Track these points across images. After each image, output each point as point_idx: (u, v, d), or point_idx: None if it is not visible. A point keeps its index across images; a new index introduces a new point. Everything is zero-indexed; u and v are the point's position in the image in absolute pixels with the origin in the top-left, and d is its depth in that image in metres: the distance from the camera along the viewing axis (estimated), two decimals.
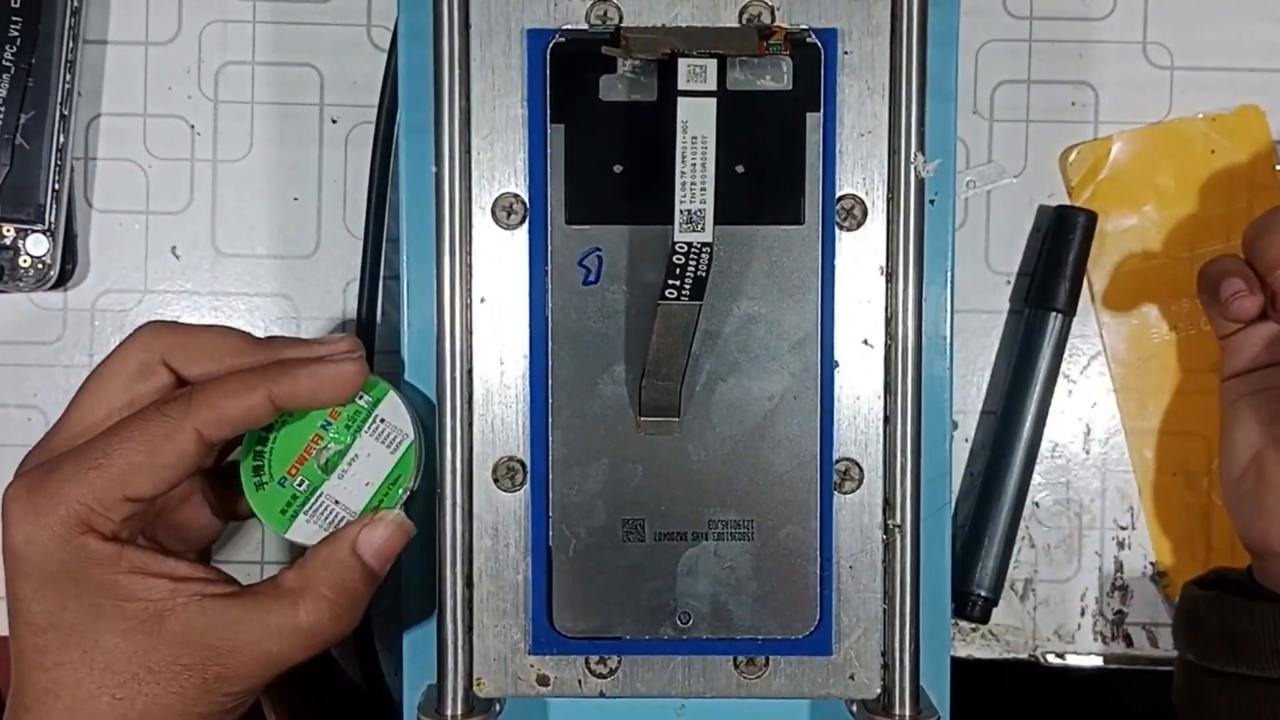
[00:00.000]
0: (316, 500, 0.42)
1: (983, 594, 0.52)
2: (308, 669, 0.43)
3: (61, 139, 0.51)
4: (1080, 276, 0.52)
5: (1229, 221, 0.53)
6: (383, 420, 0.43)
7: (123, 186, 0.54)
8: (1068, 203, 0.53)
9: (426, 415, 0.44)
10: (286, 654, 0.41)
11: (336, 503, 0.43)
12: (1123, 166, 0.53)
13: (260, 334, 0.52)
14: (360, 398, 0.43)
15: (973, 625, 0.53)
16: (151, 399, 0.41)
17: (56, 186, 0.51)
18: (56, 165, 0.51)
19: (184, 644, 0.40)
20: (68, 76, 0.51)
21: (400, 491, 0.43)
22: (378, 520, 0.42)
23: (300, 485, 0.42)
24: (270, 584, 0.41)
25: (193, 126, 0.53)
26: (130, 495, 0.40)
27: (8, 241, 0.51)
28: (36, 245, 0.51)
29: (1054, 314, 0.52)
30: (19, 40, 0.50)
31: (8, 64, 0.50)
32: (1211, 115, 0.53)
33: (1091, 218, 0.52)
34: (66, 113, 0.51)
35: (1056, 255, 0.52)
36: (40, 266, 0.51)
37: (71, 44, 0.51)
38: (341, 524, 0.42)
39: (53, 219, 0.51)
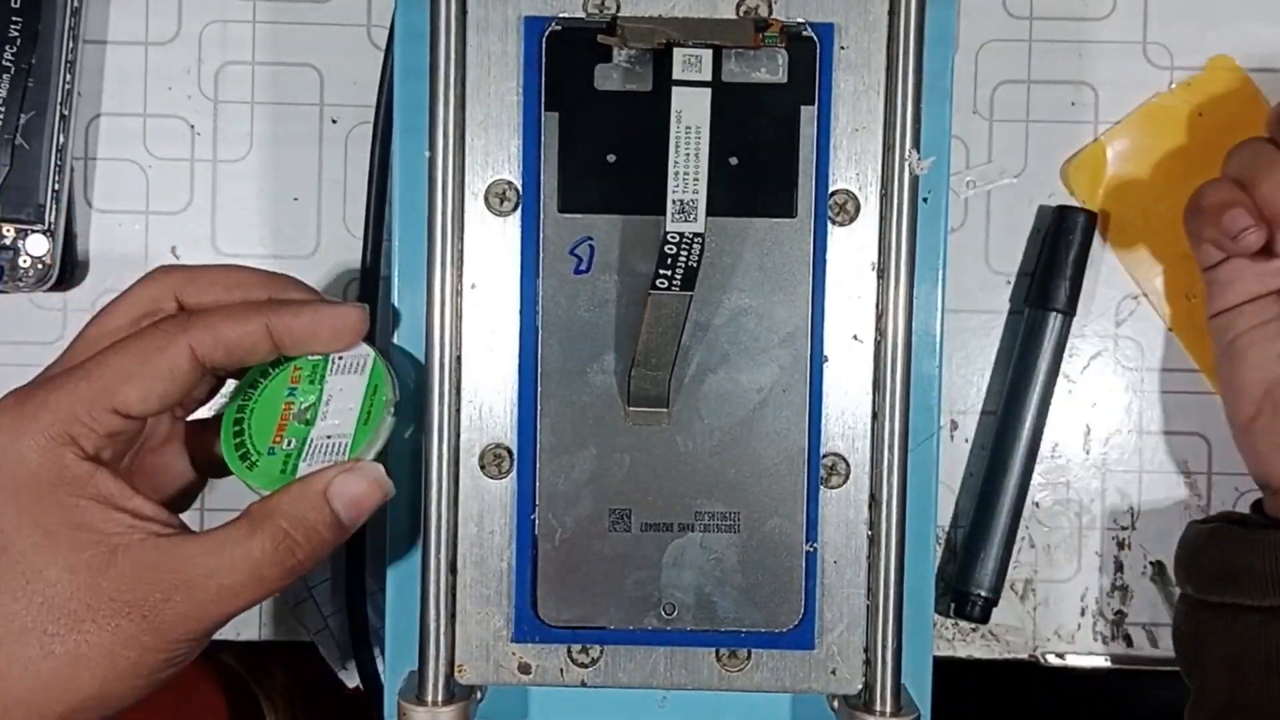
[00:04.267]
0: (309, 448, 0.42)
1: (983, 594, 0.52)
2: (307, 671, 0.42)
3: (61, 139, 0.51)
4: (1080, 276, 0.52)
5: None
6: (340, 358, 0.43)
7: (123, 186, 0.54)
8: (1068, 203, 0.53)
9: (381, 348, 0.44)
10: (235, 589, 0.39)
11: (329, 438, 0.42)
12: (1123, 162, 0.53)
13: None
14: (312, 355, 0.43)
15: (973, 625, 0.53)
16: None
17: (56, 186, 0.51)
18: (56, 165, 0.51)
19: (132, 579, 0.38)
20: (68, 76, 0.51)
21: (383, 399, 0.42)
22: (357, 469, 0.41)
23: (289, 445, 0.42)
24: (233, 519, 0.40)
25: (193, 126, 0.53)
26: (118, 407, 0.39)
27: (8, 241, 0.51)
28: (36, 245, 0.51)
29: (1054, 314, 0.52)
30: (19, 40, 0.51)
31: (8, 64, 0.50)
32: (1185, 81, 0.53)
33: (1091, 218, 0.52)
34: (66, 113, 0.51)
35: (1056, 255, 0.52)
36: (40, 266, 0.51)
37: (71, 44, 0.51)
38: (344, 450, 0.42)
39: (53, 219, 0.51)
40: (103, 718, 0.40)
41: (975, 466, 0.54)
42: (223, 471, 0.44)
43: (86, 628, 0.38)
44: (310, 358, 0.43)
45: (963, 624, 0.53)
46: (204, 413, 0.46)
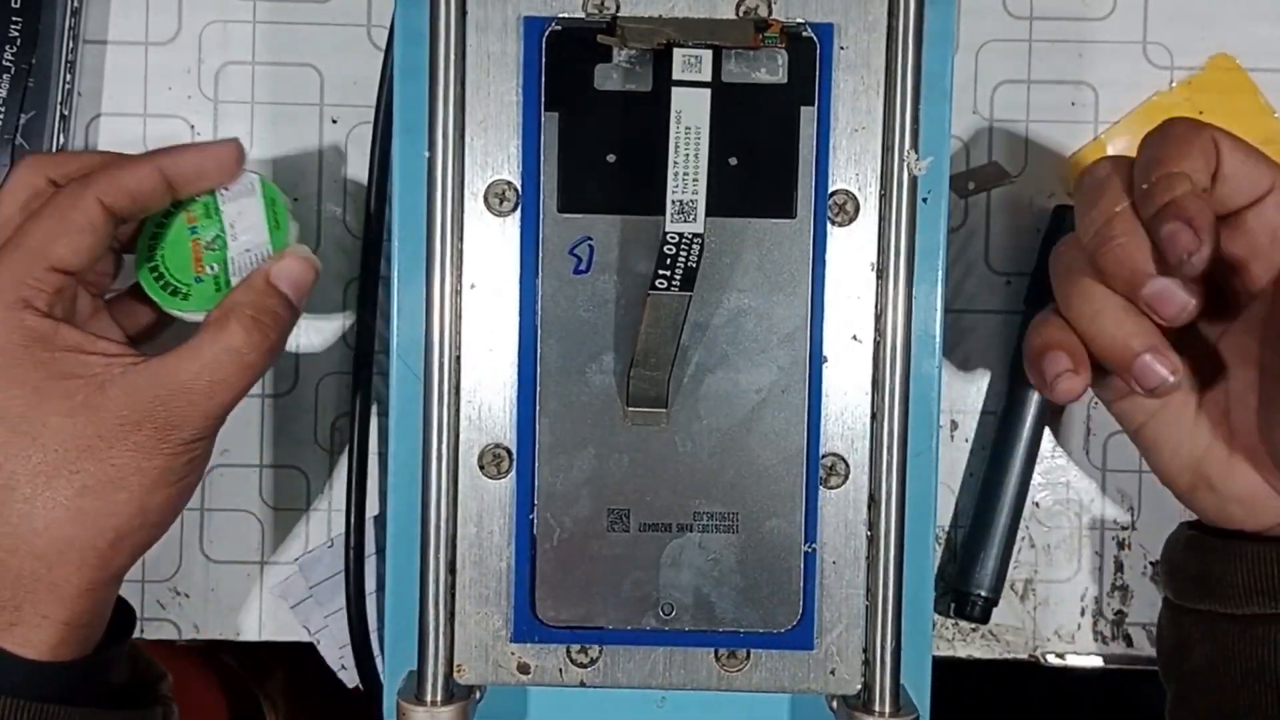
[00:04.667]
0: (233, 265, 0.46)
1: (983, 594, 0.52)
2: (307, 671, 0.43)
3: (61, 139, 0.51)
4: None
5: None
6: (226, 189, 0.46)
7: None
8: (1067, 203, 0.53)
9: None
10: (226, 380, 0.43)
11: (247, 250, 0.46)
12: None
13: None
14: (198, 196, 0.46)
15: (973, 625, 0.53)
16: None
17: None
18: None
19: (128, 404, 0.42)
20: (68, 76, 0.51)
21: (283, 207, 0.47)
22: (286, 255, 0.45)
23: (212, 270, 0.46)
24: (197, 331, 0.44)
25: (193, 126, 0.54)
26: (54, 264, 0.42)
27: None
28: None
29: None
30: (19, 40, 0.51)
31: (8, 64, 0.50)
32: (1186, 79, 0.53)
33: None
34: (66, 113, 0.52)
35: None
36: None
37: (71, 44, 0.51)
38: (265, 253, 0.46)
39: None
40: (148, 538, 0.44)
41: (975, 466, 0.54)
42: (153, 334, 0.48)
43: (107, 454, 0.42)
44: (199, 199, 0.46)
45: (963, 624, 0.53)
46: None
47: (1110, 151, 0.53)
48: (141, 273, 0.46)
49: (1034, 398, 0.52)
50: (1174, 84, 0.53)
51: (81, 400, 0.41)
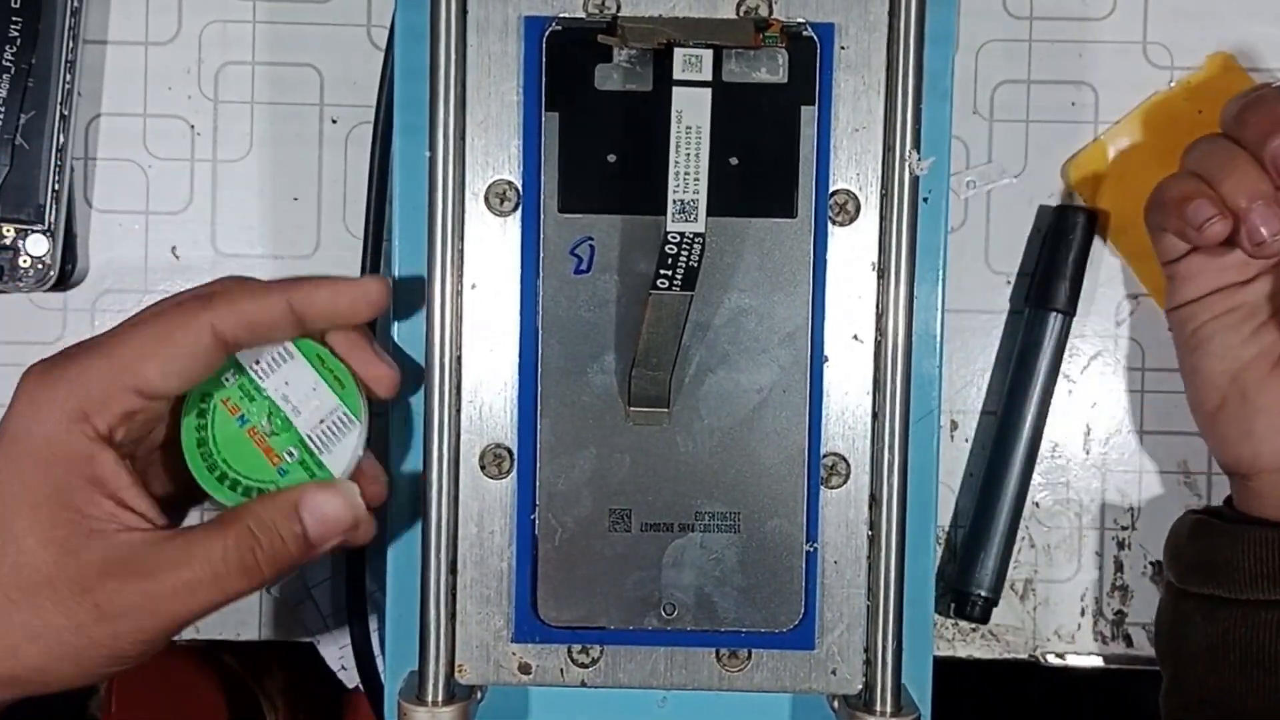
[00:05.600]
0: (313, 442, 0.42)
1: (983, 594, 0.52)
2: (307, 671, 0.42)
3: (61, 139, 0.51)
4: (1080, 276, 0.52)
5: None
6: (256, 362, 0.42)
7: (123, 186, 0.53)
8: (1068, 203, 0.53)
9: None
10: (194, 585, 0.39)
11: (321, 421, 0.42)
12: (1123, 161, 0.53)
13: None
14: (226, 380, 0.42)
15: (973, 625, 0.53)
16: None
17: (56, 186, 0.51)
18: (56, 165, 0.51)
19: (98, 568, 0.39)
20: (68, 76, 0.51)
21: (336, 362, 0.42)
22: (333, 487, 0.41)
23: (291, 456, 0.42)
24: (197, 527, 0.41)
25: (193, 126, 0.53)
26: (138, 385, 0.39)
27: (8, 241, 0.51)
28: (36, 245, 0.51)
29: (1054, 314, 0.52)
30: (19, 40, 0.50)
31: (8, 64, 0.50)
32: (1184, 79, 0.53)
33: (1091, 217, 0.52)
34: (66, 113, 0.51)
35: (1056, 255, 0.52)
36: (40, 266, 0.51)
37: (71, 44, 0.51)
38: (347, 417, 0.42)
39: (53, 219, 0.51)
40: (11, 695, 0.41)
41: (975, 466, 0.54)
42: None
43: (43, 604, 0.39)
44: (225, 383, 0.42)
45: (963, 624, 0.53)
46: None
47: (1111, 152, 0.53)
48: (213, 487, 0.42)
49: (1034, 397, 0.52)
50: (1174, 83, 0.53)
51: (63, 537, 0.39)
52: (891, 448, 0.43)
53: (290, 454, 0.42)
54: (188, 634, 0.53)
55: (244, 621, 0.54)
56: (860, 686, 0.45)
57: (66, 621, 0.39)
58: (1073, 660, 0.54)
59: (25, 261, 0.51)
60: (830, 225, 0.44)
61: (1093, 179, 0.53)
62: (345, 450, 0.42)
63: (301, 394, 0.42)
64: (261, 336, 0.41)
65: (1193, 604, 0.46)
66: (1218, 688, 0.45)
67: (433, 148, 0.43)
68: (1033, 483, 0.53)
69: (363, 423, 0.42)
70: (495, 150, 0.44)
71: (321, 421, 0.42)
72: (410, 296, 0.45)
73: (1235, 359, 0.47)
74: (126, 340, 0.39)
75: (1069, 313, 0.52)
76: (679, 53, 0.41)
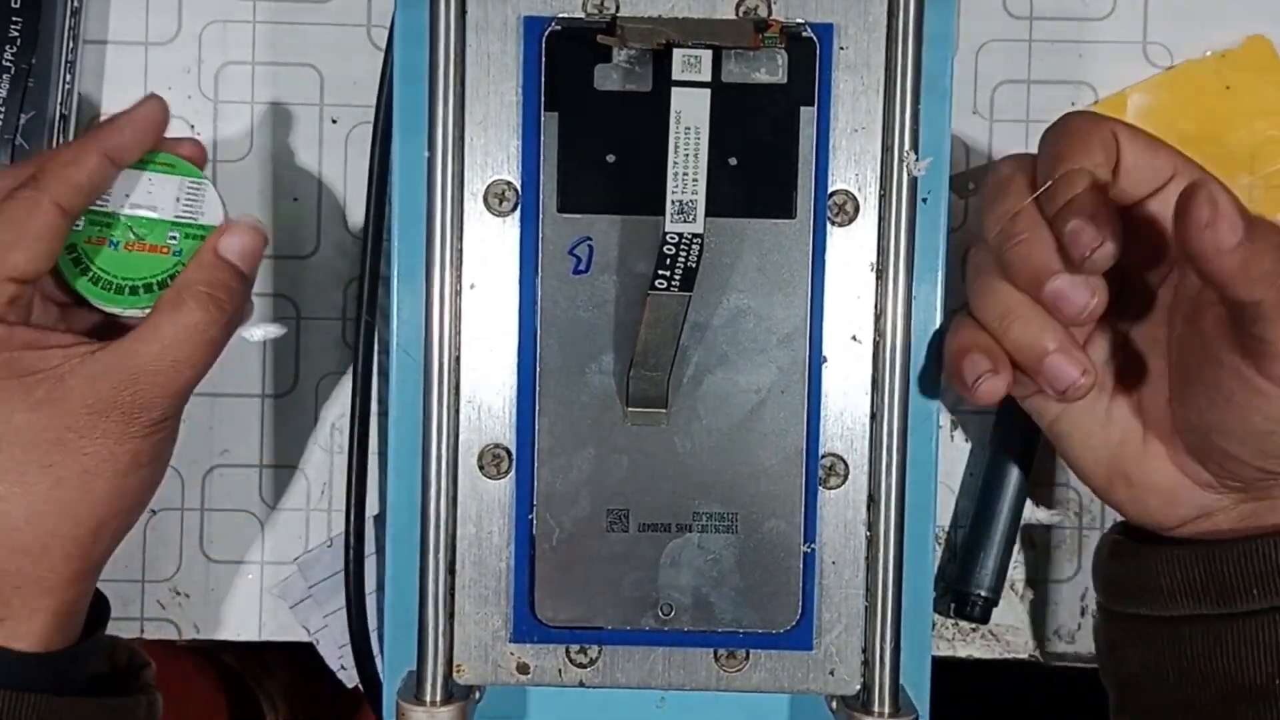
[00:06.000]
0: (182, 219, 0.45)
1: (983, 594, 0.52)
2: (308, 671, 0.43)
3: (61, 139, 0.51)
4: None
5: (1253, 151, 0.52)
6: (104, 197, 0.45)
7: None
8: None
9: None
10: (188, 358, 0.43)
11: (177, 200, 0.46)
12: (1142, 119, 0.52)
13: (259, 348, 0.53)
14: (76, 225, 0.44)
15: (973, 625, 0.53)
16: None
17: None
18: None
19: (92, 392, 0.41)
20: (68, 76, 0.51)
21: (166, 155, 0.46)
22: (229, 226, 0.45)
23: (174, 240, 0.45)
24: (151, 312, 0.44)
25: (193, 126, 0.53)
26: (11, 274, 0.42)
27: None
28: None
29: None
30: (19, 40, 0.50)
31: (8, 64, 0.50)
32: (1220, 52, 0.52)
33: None
34: (66, 113, 0.51)
35: None
36: None
37: (71, 44, 0.51)
38: (193, 182, 0.46)
39: None
40: (127, 522, 0.44)
41: (975, 466, 0.54)
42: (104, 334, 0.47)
43: (77, 444, 0.42)
44: (78, 228, 0.44)
45: (963, 624, 0.53)
46: None
47: (1131, 108, 0.52)
48: (132, 302, 0.45)
49: None
50: (1208, 53, 0.52)
51: (44, 394, 0.41)
52: (890, 448, 0.43)
53: (172, 238, 0.45)
54: (188, 634, 0.54)
55: (244, 621, 0.54)
56: (858, 687, 0.45)
57: (106, 439, 0.42)
58: (1073, 660, 0.54)
59: None
60: (829, 226, 0.44)
61: None
62: (213, 203, 0.46)
63: (145, 194, 0.45)
64: (95, 194, 0.44)
65: (1123, 624, 0.45)
66: (1157, 706, 0.44)
67: (432, 148, 0.43)
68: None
69: (206, 179, 0.46)
70: (494, 150, 0.44)
71: (178, 200, 0.45)
72: (410, 296, 0.45)
73: (1102, 447, 0.45)
74: None
75: None
76: (678, 53, 0.41)
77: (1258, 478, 0.42)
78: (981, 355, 0.41)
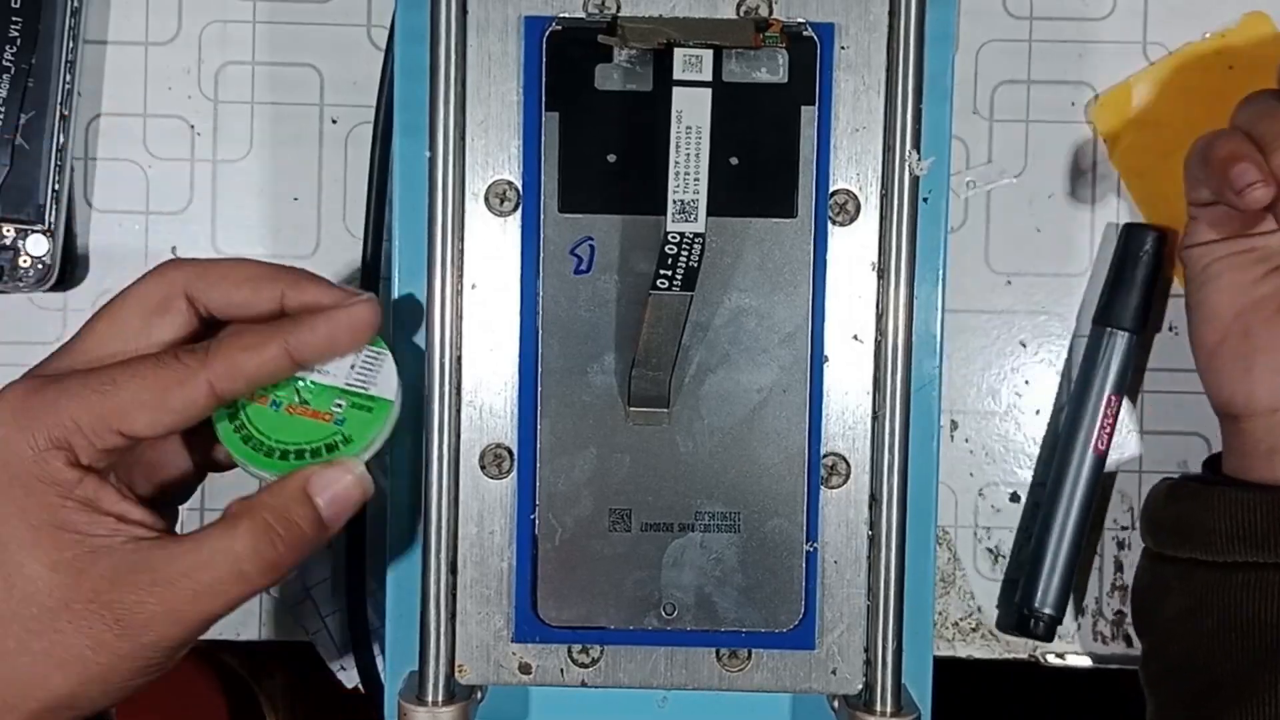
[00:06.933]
0: (353, 388, 0.42)
1: (1048, 612, 0.52)
2: (308, 671, 0.42)
3: (61, 139, 0.51)
4: (1149, 296, 0.52)
5: None
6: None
7: (123, 186, 0.53)
8: (1134, 220, 0.53)
9: None
10: (217, 585, 0.38)
11: (351, 367, 0.42)
12: (1148, 106, 0.53)
13: None
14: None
15: (973, 625, 0.53)
16: (169, 335, 0.40)
17: (56, 186, 0.51)
18: (56, 165, 0.51)
19: (110, 581, 0.38)
20: (68, 76, 0.51)
21: None
22: (338, 464, 0.40)
23: (339, 407, 0.41)
24: (215, 520, 0.40)
25: (193, 126, 0.53)
26: (124, 430, 0.38)
27: (8, 241, 0.51)
28: (36, 245, 0.51)
29: (1119, 332, 0.52)
30: (19, 40, 0.50)
31: (8, 64, 0.50)
32: (1219, 32, 0.53)
33: (1159, 238, 0.52)
34: (66, 113, 0.51)
35: (1122, 274, 0.52)
36: (40, 266, 0.51)
37: (71, 44, 0.51)
38: (370, 350, 0.42)
39: (53, 219, 0.51)
40: (76, 718, 0.40)
41: (975, 467, 0.54)
42: (222, 467, 0.44)
43: (62, 627, 0.38)
44: None
45: (962, 624, 0.53)
46: None
47: (1136, 97, 0.52)
48: (281, 468, 0.41)
49: (1100, 413, 0.52)
50: (1207, 35, 0.52)
51: (69, 558, 0.38)
52: (891, 448, 0.43)
53: (338, 405, 0.41)
54: None
55: (244, 621, 0.54)
56: (860, 686, 0.45)
57: (88, 642, 0.38)
58: (1073, 660, 0.54)
59: (25, 261, 0.51)
60: (830, 225, 0.44)
61: (1117, 117, 0.53)
62: (388, 375, 0.42)
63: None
64: (258, 384, 0.40)
65: (1169, 569, 0.46)
66: (1193, 653, 0.45)
67: (432, 148, 0.43)
68: (1032, 483, 0.53)
69: (388, 347, 0.42)
70: (495, 150, 0.44)
71: (353, 367, 0.42)
72: (410, 297, 0.45)
73: (1243, 296, 0.47)
74: (123, 386, 0.38)
75: (1135, 331, 0.52)
76: (679, 53, 0.41)
77: None
78: (1252, 165, 0.44)
